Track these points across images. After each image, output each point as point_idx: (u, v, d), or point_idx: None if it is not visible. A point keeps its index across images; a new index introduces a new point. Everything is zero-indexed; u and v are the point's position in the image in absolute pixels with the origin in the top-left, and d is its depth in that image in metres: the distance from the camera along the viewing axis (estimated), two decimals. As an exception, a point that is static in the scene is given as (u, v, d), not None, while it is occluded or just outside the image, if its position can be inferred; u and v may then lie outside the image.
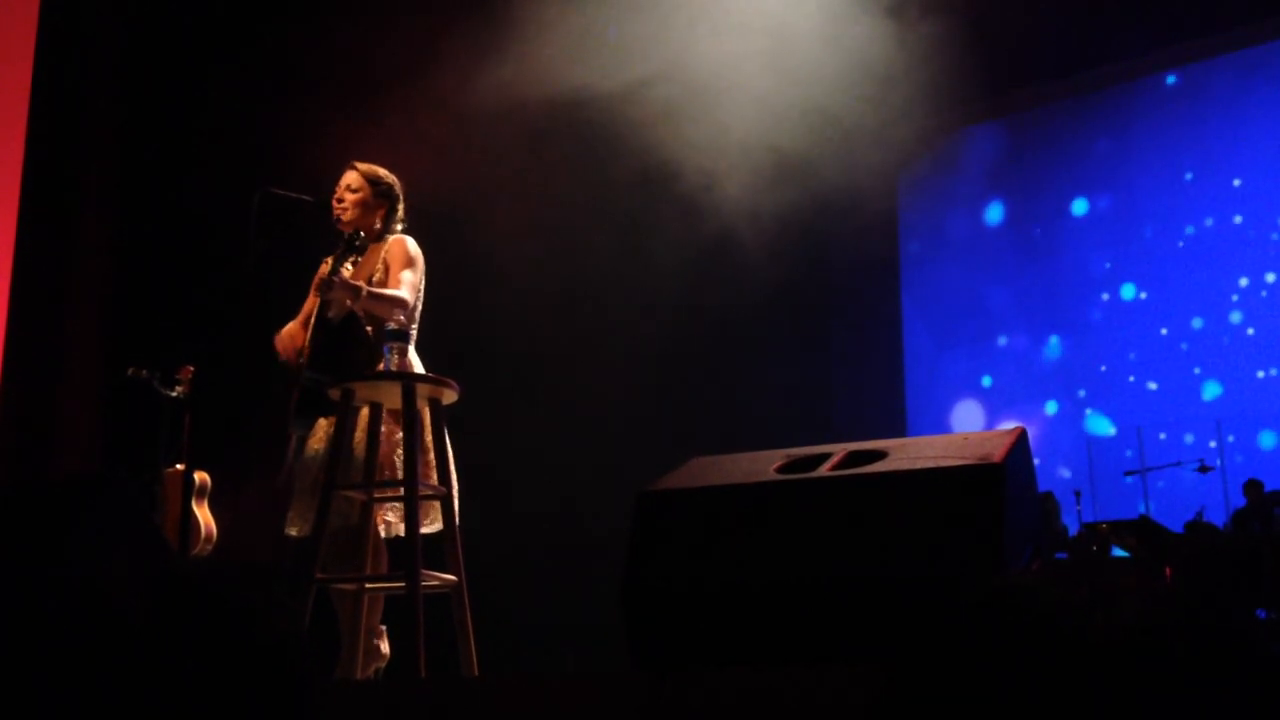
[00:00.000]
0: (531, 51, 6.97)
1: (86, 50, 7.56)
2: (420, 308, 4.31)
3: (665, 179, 7.42)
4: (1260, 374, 10.14)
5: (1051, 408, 11.02)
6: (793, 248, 8.61)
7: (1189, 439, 10.15)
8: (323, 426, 4.18)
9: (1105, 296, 10.99)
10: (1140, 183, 10.92)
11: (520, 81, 7.03)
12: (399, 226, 4.39)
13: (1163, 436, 10.35)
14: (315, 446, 4.18)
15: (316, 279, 4.09)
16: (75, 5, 7.51)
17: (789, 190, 7.92)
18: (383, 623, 4.23)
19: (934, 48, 7.26)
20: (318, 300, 4.15)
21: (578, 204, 7.56)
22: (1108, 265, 11.04)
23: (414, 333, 4.23)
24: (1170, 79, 10.95)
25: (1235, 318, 10.36)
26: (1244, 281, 10.37)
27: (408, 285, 4.18)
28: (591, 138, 7.13)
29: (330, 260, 4.16)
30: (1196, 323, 10.52)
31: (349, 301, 4.08)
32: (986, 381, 11.39)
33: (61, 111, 7.35)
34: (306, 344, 4.18)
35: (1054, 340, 11.17)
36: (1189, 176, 10.75)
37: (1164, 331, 10.65)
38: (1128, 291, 10.89)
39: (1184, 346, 10.55)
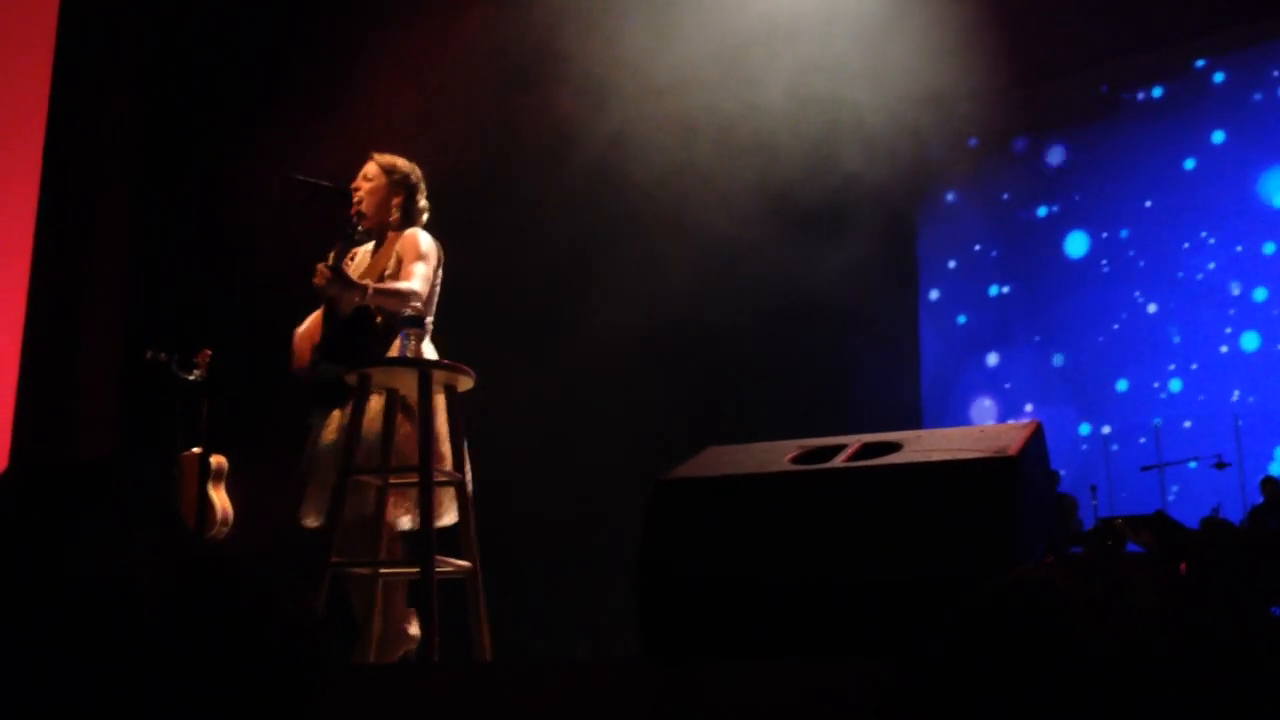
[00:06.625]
0: (549, 41, 6.97)
1: (108, 34, 7.58)
2: (435, 301, 4.29)
3: (690, 174, 7.41)
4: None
5: (1068, 407, 10.98)
6: (812, 242, 8.59)
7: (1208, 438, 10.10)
8: (337, 417, 4.18)
9: (1125, 300, 10.95)
10: (1160, 191, 10.87)
11: (539, 72, 7.03)
12: (424, 216, 4.37)
13: (1187, 424, 10.31)
14: (329, 437, 4.18)
15: (317, 278, 4.05)
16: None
17: (811, 187, 7.92)
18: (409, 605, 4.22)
19: (951, 56, 7.24)
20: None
21: (596, 191, 7.55)
22: (1124, 268, 10.99)
23: (430, 325, 4.22)
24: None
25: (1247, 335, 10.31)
26: (1258, 295, 10.31)
27: (419, 277, 4.12)
28: (619, 127, 7.13)
29: (332, 255, 4.12)
30: (1208, 309, 10.48)
31: (356, 299, 4.06)
32: (1002, 380, 11.35)
33: (82, 95, 7.37)
34: (319, 336, 4.19)
35: (1070, 342, 11.13)
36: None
37: (1177, 340, 10.60)
38: (1144, 296, 10.85)
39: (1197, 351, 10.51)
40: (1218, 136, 10.67)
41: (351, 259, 4.31)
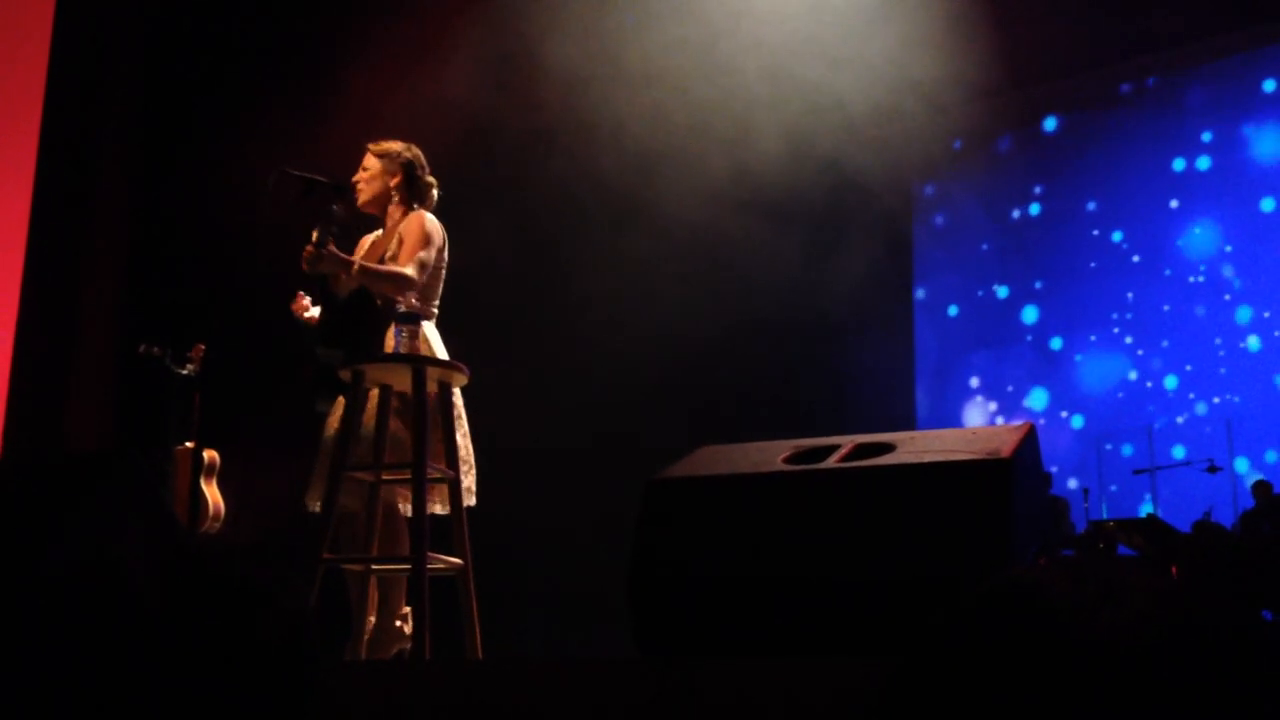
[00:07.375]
0: (548, 40, 6.96)
1: (104, 27, 7.56)
2: (441, 285, 4.27)
3: (687, 174, 7.41)
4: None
5: (1060, 409, 10.99)
6: (808, 242, 8.60)
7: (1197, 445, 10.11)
8: (342, 404, 4.16)
9: (1119, 300, 10.96)
10: (1151, 187, 10.89)
11: (539, 68, 7.02)
12: (434, 193, 4.33)
13: (1180, 419, 10.32)
14: (334, 426, 4.16)
15: (305, 253, 4.03)
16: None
17: (808, 187, 7.92)
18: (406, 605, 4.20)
19: (939, 51, 7.25)
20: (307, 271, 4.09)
21: (594, 190, 7.55)
22: (1120, 269, 11.00)
23: (435, 310, 4.20)
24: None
25: (1241, 317, 10.33)
26: (1254, 295, 10.33)
27: (415, 264, 4.07)
28: (614, 126, 7.13)
29: (315, 234, 4.07)
30: (1200, 310, 10.50)
31: (342, 276, 4.05)
32: (994, 379, 11.36)
33: (79, 86, 7.36)
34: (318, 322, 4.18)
35: (1068, 342, 11.13)
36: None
37: (1166, 344, 10.61)
38: (1137, 295, 10.86)
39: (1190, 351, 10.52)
40: (1208, 136, 10.69)
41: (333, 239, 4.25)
